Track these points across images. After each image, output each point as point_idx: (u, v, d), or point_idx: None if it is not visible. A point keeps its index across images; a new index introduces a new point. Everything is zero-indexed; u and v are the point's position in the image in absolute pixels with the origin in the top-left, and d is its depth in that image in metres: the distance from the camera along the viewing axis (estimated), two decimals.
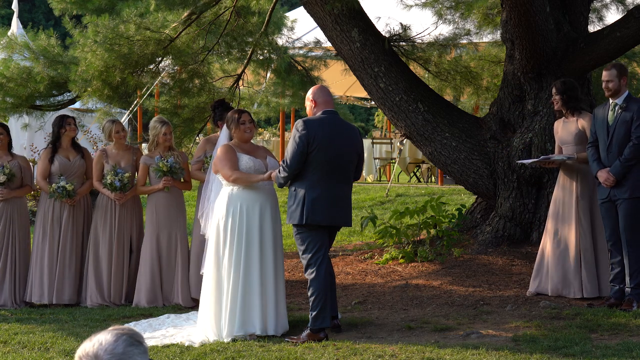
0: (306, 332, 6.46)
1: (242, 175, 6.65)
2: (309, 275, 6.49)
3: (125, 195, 8.37)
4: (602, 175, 7.16)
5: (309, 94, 6.72)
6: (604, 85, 7.25)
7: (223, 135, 7.08)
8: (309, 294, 6.51)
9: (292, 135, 6.54)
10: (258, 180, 6.65)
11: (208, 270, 6.75)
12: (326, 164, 6.45)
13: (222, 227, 6.66)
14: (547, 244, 7.71)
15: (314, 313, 6.43)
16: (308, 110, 6.72)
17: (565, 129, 7.69)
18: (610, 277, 7.27)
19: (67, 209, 8.39)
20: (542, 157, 7.94)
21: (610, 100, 7.24)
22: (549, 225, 7.73)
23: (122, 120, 10.88)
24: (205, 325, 6.68)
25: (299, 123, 6.51)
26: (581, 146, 7.57)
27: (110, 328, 2.55)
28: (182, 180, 8.45)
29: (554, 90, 7.73)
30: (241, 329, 6.54)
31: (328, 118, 6.56)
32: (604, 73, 7.27)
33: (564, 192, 7.66)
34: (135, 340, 2.49)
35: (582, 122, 7.60)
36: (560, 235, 7.62)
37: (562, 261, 7.58)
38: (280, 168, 6.51)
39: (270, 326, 6.62)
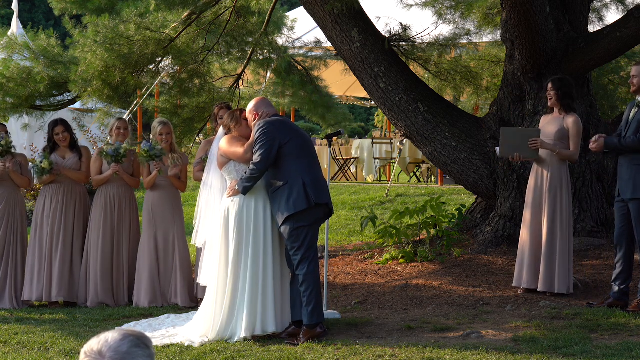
0: (303, 330, 6.44)
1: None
2: (301, 270, 6.43)
3: (121, 166, 8.35)
4: (595, 136, 7.21)
5: (252, 107, 6.73)
6: (630, 80, 7.18)
7: (220, 136, 7.06)
8: (303, 289, 6.45)
9: (256, 138, 6.51)
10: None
11: (217, 268, 6.69)
12: (305, 147, 6.58)
13: (233, 225, 6.57)
14: (524, 235, 7.72)
15: (309, 308, 6.41)
16: (250, 122, 6.72)
17: (550, 125, 7.70)
18: (613, 277, 7.25)
19: (63, 208, 8.38)
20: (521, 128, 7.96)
21: (638, 98, 7.15)
22: (526, 215, 7.74)
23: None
24: (207, 325, 6.62)
25: (260, 124, 6.54)
26: (560, 142, 7.58)
27: (121, 328, 2.52)
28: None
29: (549, 86, 7.70)
30: (260, 329, 6.48)
31: (280, 117, 6.76)
32: (633, 68, 7.17)
33: (536, 181, 7.67)
34: (142, 342, 2.46)
35: (567, 122, 7.61)
36: (533, 225, 7.62)
37: (535, 252, 7.58)
38: (246, 173, 6.47)
39: (285, 322, 6.60)
